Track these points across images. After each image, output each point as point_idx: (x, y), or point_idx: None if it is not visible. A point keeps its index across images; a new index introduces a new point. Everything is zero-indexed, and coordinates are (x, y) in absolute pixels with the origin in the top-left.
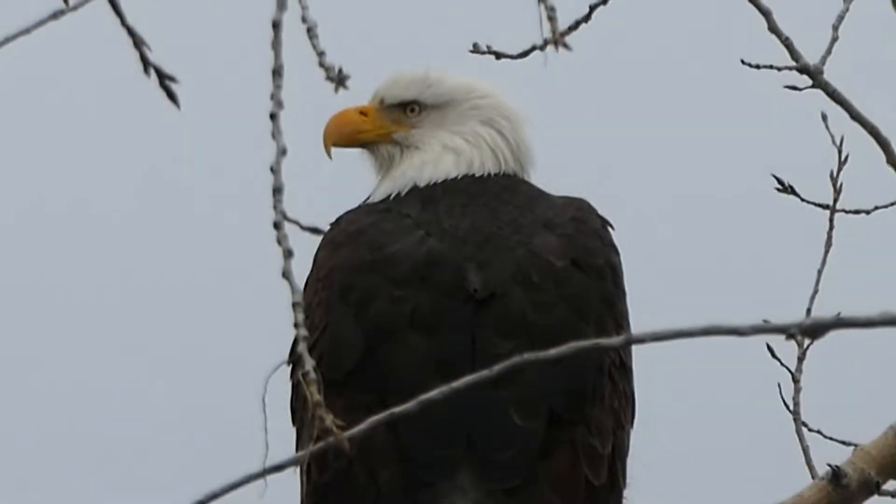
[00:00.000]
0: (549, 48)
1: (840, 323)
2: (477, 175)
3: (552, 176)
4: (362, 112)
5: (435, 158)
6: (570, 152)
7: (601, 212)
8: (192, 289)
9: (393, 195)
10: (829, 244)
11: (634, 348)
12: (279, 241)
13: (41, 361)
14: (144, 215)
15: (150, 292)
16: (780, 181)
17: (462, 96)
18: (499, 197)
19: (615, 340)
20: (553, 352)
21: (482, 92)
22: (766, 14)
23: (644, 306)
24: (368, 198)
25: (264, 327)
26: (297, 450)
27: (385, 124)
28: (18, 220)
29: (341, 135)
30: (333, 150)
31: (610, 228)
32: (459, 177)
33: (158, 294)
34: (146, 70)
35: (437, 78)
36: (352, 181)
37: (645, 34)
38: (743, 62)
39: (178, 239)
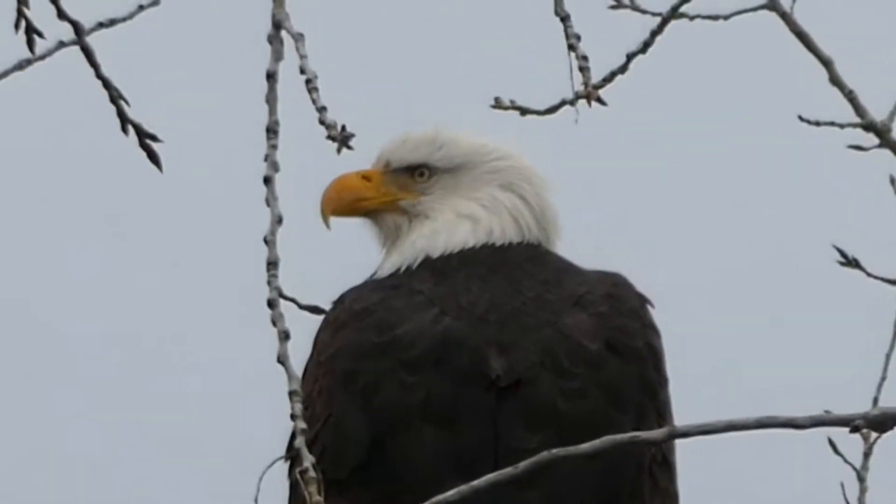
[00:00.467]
0: (581, 103)
1: None
2: (497, 245)
3: (581, 248)
4: (365, 177)
5: (448, 227)
6: (601, 219)
7: (639, 288)
8: (181, 374)
9: (402, 269)
10: None
11: (678, 443)
12: (274, 322)
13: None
14: (125, 287)
15: (136, 375)
16: (842, 253)
17: (478, 158)
18: (522, 269)
19: (657, 434)
20: (586, 446)
21: (501, 153)
22: (827, 64)
23: (687, 394)
24: (375, 273)
25: (258, 418)
26: None
27: (391, 191)
28: None
29: (341, 203)
30: (333, 219)
31: (649, 307)
32: (477, 247)
33: (146, 378)
34: (124, 128)
35: (449, 138)
36: (357, 253)
37: (689, 87)
38: (801, 118)
39: (165, 316)
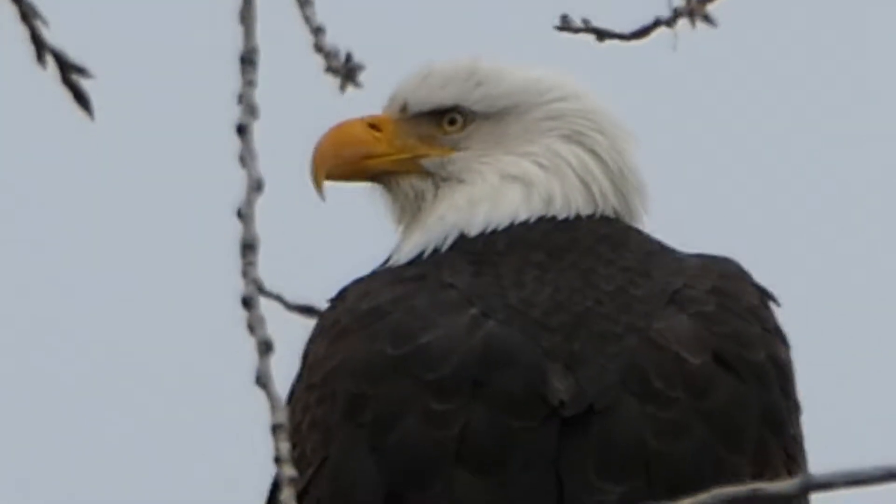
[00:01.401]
0: (682, 22)
1: None
2: (560, 219)
3: (674, 224)
4: (373, 125)
5: (491, 194)
6: (702, 188)
7: (758, 278)
8: (126, 391)
9: (427, 253)
10: None
11: (817, 496)
12: (252, 328)
13: None
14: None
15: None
16: None
17: (531, 98)
18: (596, 253)
19: (787, 485)
20: (688, 502)
21: (564, 91)
22: None
23: (828, 425)
24: (388, 259)
25: (231, 459)
26: None
27: (410, 144)
28: None
29: (341, 161)
30: (329, 185)
31: (773, 304)
32: (532, 221)
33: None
34: (40, 57)
35: (491, 72)
36: (364, 231)
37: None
38: None
39: (107, 313)
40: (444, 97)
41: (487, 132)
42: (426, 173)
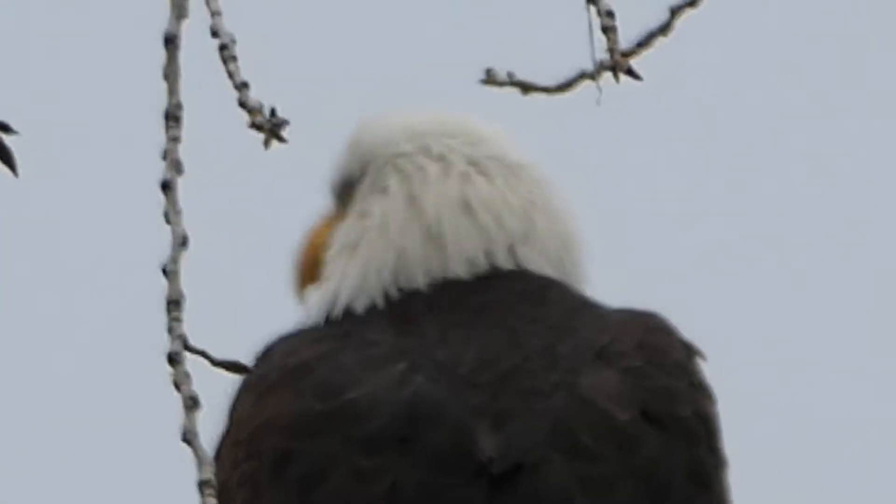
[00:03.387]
0: (606, 76)
1: None
2: (473, 280)
3: (601, 276)
4: (326, 225)
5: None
6: (631, 236)
7: (684, 333)
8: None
9: (338, 312)
10: None
11: None
12: (178, 385)
13: None
14: None
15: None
16: None
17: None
18: (519, 312)
19: None
20: None
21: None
22: None
23: (752, 480)
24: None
25: None
26: None
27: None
28: None
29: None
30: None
31: (700, 359)
32: (444, 282)
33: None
34: None
35: (362, 133)
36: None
37: (762, 54)
38: None
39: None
40: (345, 171)
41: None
42: None
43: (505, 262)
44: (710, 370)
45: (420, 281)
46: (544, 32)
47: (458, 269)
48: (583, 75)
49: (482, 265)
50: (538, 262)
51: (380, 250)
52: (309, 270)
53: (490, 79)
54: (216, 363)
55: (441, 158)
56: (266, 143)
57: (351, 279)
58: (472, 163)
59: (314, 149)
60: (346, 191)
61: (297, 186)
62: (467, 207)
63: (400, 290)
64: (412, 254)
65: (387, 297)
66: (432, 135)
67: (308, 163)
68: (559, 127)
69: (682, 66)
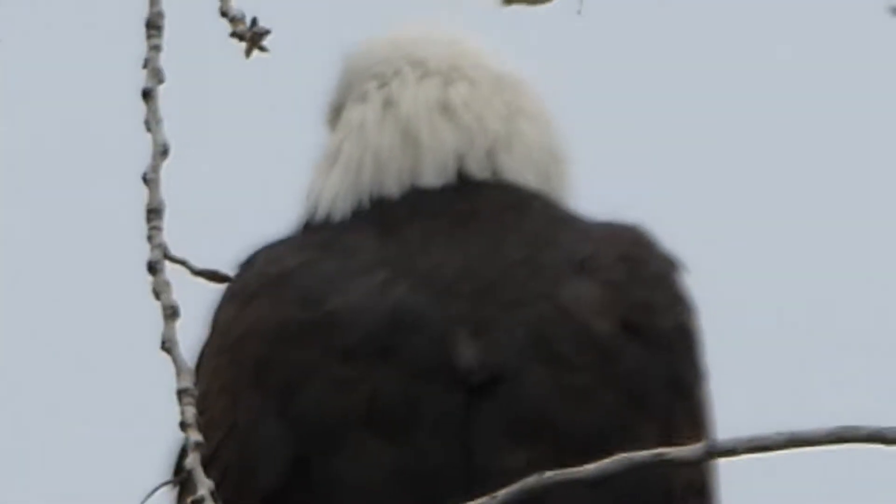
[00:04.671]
0: None
1: None
2: (457, 187)
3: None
4: None
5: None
6: (609, 147)
7: (667, 244)
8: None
9: (319, 219)
10: None
11: (720, 462)
12: (157, 293)
13: None
14: None
15: None
16: None
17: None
18: (502, 221)
19: (691, 451)
20: (593, 467)
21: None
22: None
23: (731, 394)
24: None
25: (138, 426)
26: None
27: None
28: None
29: None
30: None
31: (681, 271)
32: (428, 189)
33: None
34: None
35: (348, 51)
36: (277, 192)
37: None
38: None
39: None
40: (337, 93)
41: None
42: None
43: (484, 167)
44: (693, 282)
45: (398, 183)
46: None
47: (437, 170)
48: None
49: (462, 168)
50: (521, 170)
51: (357, 152)
52: None
53: None
54: (196, 272)
55: (421, 64)
56: (247, 53)
57: (330, 184)
58: (456, 69)
59: (296, 60)
60: (338, 117)
61: (277, 96)
62: (446, 108)
63: (381, 197)
64: (389, 154)
65: (370, 203)
66: (415, 43)
67: (289, 74)
68: (541, 39)
69: None
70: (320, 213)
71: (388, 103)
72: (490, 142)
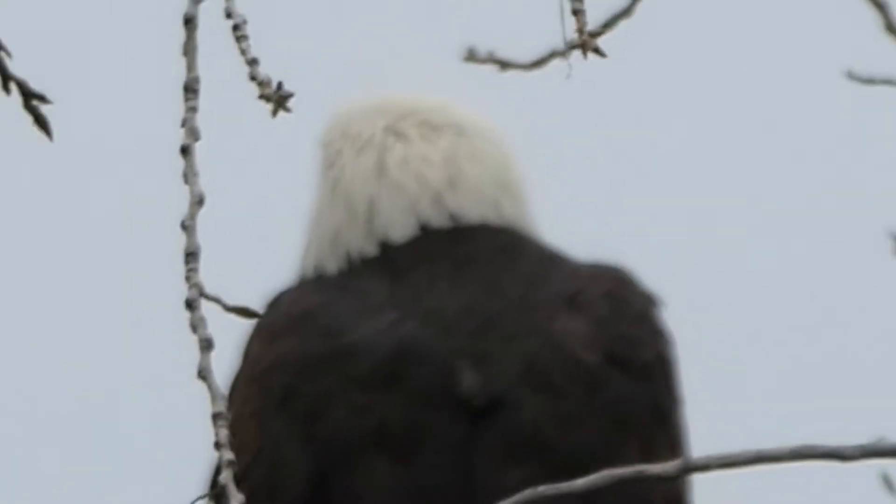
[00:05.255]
0: (575, 54)
1: None
2: (454, 233)
3: (569, 234)
4: None
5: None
6: (596, 199)
7: (647, 284)
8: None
9: (346, 266)
10: None
11: (695, 477)
12: (194, 328)
13: None
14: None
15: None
16: None
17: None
18: (498, 263)
19: (668, 467)
20: (581, 482)
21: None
22: (881, 6)
23: (706, 418)
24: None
25: (174, 446)
26: None
27: None
28: None
29: None
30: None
31: (660, 308)
32: (428, 236)
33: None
34: (5, 86)
35: (334, 115)
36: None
37: (710, 36)
38: (851, 75)
39: (47, 329)
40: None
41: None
42: None
43: (436, 212)
44: (670, 316)
45: (365, 248)
46: (520, 14)
47: (395, 227)
48: (554, 53)
49: (419, 217)
50: (474, 208)
51: (319, 232)
52: None
53: (471, 57)
54: (229, 309)
55: (357, 137)
56: (273, 113)
57: (312, 247)
58: (392, 132)
59: (313, 118)
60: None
61: (299, 151)
62: (381, 172)
63: (388, 245)
64: (345, 231)
65: (381, 249)
66: (355, 115)
67: (309, 130)
68: (534, 99)
69: (644, 45)
70: (313, 268)
71: (334, 185)
72: (433, 189)
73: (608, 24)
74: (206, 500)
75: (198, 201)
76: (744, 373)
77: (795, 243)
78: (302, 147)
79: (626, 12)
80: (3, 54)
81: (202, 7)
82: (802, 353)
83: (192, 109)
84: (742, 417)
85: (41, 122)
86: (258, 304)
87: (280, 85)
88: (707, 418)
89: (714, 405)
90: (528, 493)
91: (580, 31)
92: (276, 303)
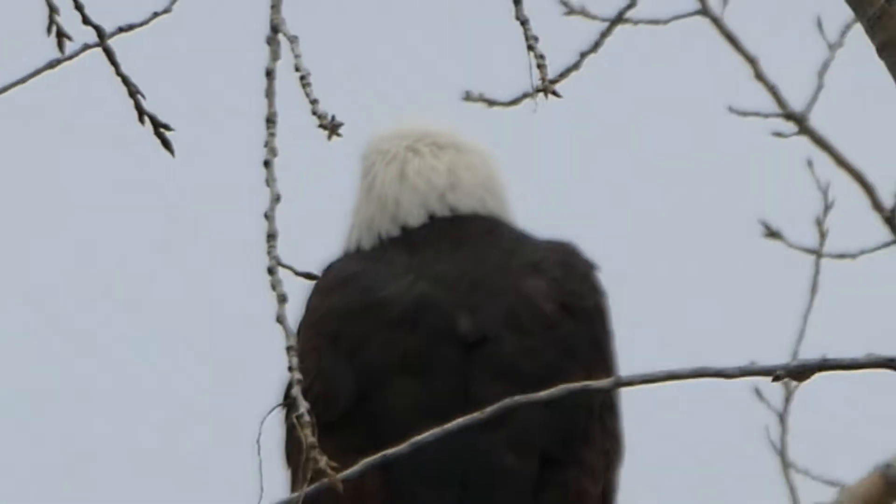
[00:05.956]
0: (539, 96)
1: (826, 365)
2: (452, 221)
3: (535, 218)
4: None
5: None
6: (554, 197)
7: (587, 254)
8: (185, 335)
9: (377, 244)
10: (814, 289)
11: (624, 391)
12: (273, 287)
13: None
14: (140, 259)
15: (145, 338)
16: (767, 227)
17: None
18: (484, 242)
19: (604, 383)
20: (543, 394)
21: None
22: (752, 61)
23: (630, 348)
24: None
25: (260, 372)
26: (290, 492)
27: None
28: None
29: None
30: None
31: (598, 271)
32: (436, 223)
33: (154, 340)
34: (141, 119)
35: (369, 139)
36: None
37: (633, 83)
38: (731, 110)
39: (173, 283)
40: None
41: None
42: None
43: (440, 206)
44: (603, 276)
45: (391, 231)
46: (503, 63)
47: (412, 216)
48: (525, 95)
49: (429, 209)
50: (466, 203)
51: (359, 220)
52: None
53: (467, 97)
54: (297, 273)
55: (386, 153)
56: (329, 138)
57: (354, 231)
58: (411, 149)
59: (356, 141)
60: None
61: (346, 164)
62: (403, 178)
63: (406, 228)
64: (377, 219)
65: (402, 232)
66: (385, 138)
67: (352, 149)
68: (512, 128)
69: (591, 89)
70: (353, 246)
71: (371, 183)
72: (439, 190)
73: (562, 76)
74: (281, 408)
75: (276, 199)
76: (657, 318)
77: (692, 231)
78: (347, 161)
79: (575, 66)
80: (139, 97)
81: (278, 64)
82: (698, 305)
83: (271, 135)
84: (655, 348)
85: (166, 145)
86: (317, 270)
87: (333, 117)
88: (630, 349)
89: (635, 340)
90: (507, 401)
91: (543, 79)
92: (328, 270)
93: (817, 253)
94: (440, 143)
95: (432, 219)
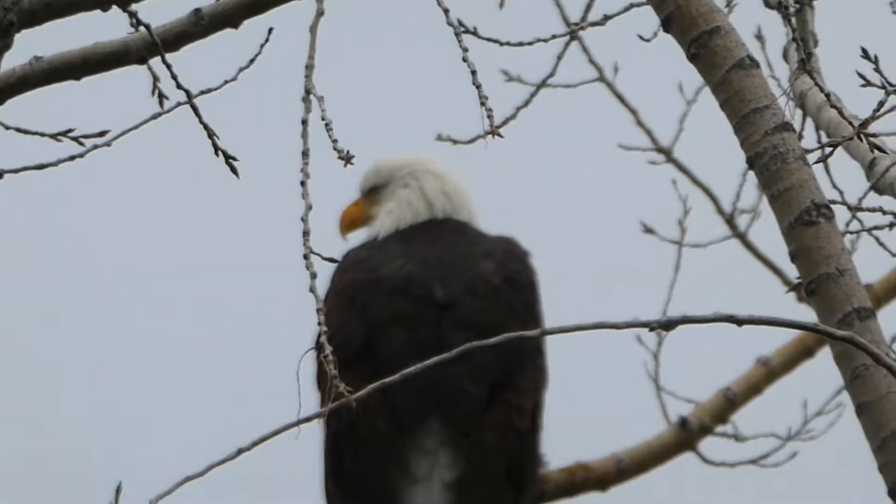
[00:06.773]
0: (489, 137)
1: (686, 320)
2: (430, 222)
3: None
4: (356, 204)
5: (380, 219)
6: (502, 208)
7: (524, 244)
8: (239, 303)
9: (379, 238)
10: (678, 268)
11: (548, 338)
12: (307, 268)
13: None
14: (199, 247)
15: (204, 299)
16: (645, 225)
17: (398, 173)
18: (455, 236)
19: (534, 333)
20: (492, 340)
21: (411, 164)
22: (634, 112)
23: (552, 310)
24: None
25: (298, 326)
26: (319, 408)
27: (369, 207)
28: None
29: (349, 226)
30: (349, 234)
31: (531, 257)
32: (418, 224)
33: (212, 301)
34: (216, 153)
35: (382, 164)
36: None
37: (552, 128)
38: (619, 146)
39: (230, 261)
40: (368, 182)
41: (387, 191)
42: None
43: (425, 213)
44: (535, 260)
45: (390, 230)
46: (464, 113)
47: (405, 221)
48: (479, 136)
49: (433, 213)
50: (443, 210)
51: (397, 214)
52: (346, 226)
53: (439, 137)
54: (325, 258)
55: (414, 176)
56: (345, 165)
57: (386, 224)
58: (415, 175)
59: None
60: (371, 190)
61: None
62: (423, 194)
63: (400, 228)
64: (411, 214)
65: (398, 231)
66: (411, 165)
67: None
68: (471, 158)
69: (525, 133)
70: (381, 234)
71: (410, 194)
72: (442, 205)
73: (504, 123)
74: (313, 350)
75: (309, 207)
76: (570, 290)
77: (594, 229)
78: (356, 180)
79: (512, 116)
80: (215, 138)
81: (310, 115)
82: (598, 280)
83: (306, 164)
84: (569, 310)
85: (234, 171)
86: (338, 256)
87: (348, 151)
88: (552, 310)
89: (555, 304)
90: (467, 345)
91: (491, 125)
92: (346, 256)
93: (679, 244)
94: (426, 170)
95: (418, 222)
